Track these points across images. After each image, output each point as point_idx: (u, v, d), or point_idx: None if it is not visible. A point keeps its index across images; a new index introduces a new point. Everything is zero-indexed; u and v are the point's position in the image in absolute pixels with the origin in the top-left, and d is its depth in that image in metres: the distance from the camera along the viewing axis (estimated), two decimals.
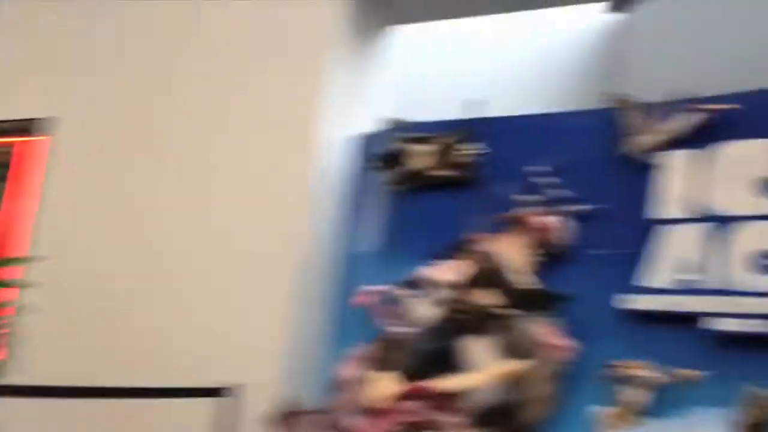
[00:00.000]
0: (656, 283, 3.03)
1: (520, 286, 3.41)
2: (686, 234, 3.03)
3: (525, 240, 3.49)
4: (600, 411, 2.98)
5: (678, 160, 3.14)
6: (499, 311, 3.35)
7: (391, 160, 3.95)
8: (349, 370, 3.54)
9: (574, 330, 3.16)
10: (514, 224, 3.53)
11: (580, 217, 3.35)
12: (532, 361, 3.18)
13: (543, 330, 3.19)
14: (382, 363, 3.49)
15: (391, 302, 3.63)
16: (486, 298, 3.51)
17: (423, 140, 3.89)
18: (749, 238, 2.90)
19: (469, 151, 3.73)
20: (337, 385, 3.54)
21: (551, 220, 3.40)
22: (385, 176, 3.94)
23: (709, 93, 3.14)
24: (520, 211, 3.50)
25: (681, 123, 3.18)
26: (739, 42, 3.74)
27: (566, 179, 3.43)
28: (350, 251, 3.99)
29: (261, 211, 4.05)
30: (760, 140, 2.99)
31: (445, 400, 3.22)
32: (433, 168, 3.83)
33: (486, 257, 3.54)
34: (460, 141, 3.77)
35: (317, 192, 4.03)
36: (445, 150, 3.82)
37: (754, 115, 3.04)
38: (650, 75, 3.50)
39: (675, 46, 3.94)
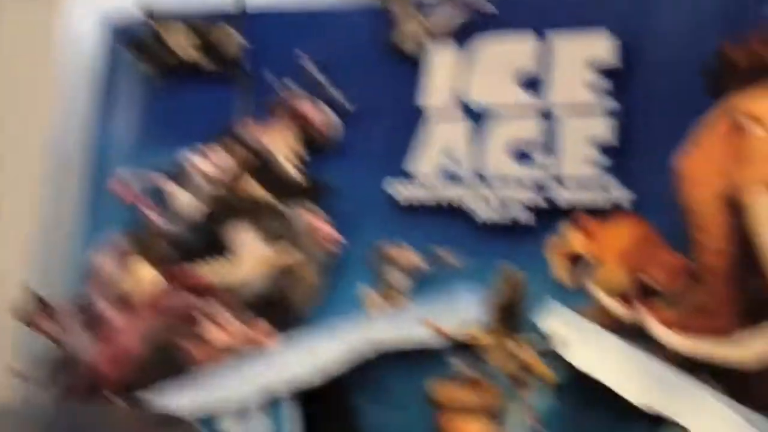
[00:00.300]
0: (423, 173, 3.14)
1: (288, 176, 3.41)
2: (451, 125, 3.14)
3: (292, 130, 3.48)
4: (366, 292, 3.09)
5: (443, 53, 3.23)
6: (266, 201, 3.34)
7: (147, 46, 3.75)
8: (106, 262, 3.40)
9: (344, 219, 3.23)
10: (281, 114, 3.50)
11: (348, 108, 3.38)
12: (300, 250, 3.22)
13: (311, 220, 3.22)
14: (142, 253, 3.38)
15: (151, 191, 3.51)
16: (253, 188, 3.48)
17: (182, 27, 3.72)
18: (508, 129, 3.06)
19: (231, 40, 3.62)
20: (94, 278, 3.40)
21: (319, 110, 3.41)
22: (141, 63, 3.75)
23: None
24: (288, 101, 3.48)
25: (446, 17, 3.26)
26: None
27: (334, 70, 3.43)
28: (105, 140, 3.79)
29: (5, 100, 3.78)
30: (521, 34, 3.11)
31: (212, 291, 3.18)
32: (192, 57, 3.69)
33: (252, 146, 3.50)
34: (222, 30, 3.65)
35: (65, 79, 3.78)
36: (206, 39, 3.68)
37: (513, 9, 3.18)
38: None
39: None
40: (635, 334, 2.57)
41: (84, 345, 3.29)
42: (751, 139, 2.45)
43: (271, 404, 2.97)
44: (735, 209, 2.40)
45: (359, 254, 3.14)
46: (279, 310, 3.29)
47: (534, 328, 2.74)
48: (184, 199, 3.46)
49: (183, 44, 3.68)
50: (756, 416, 2.34)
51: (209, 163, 3.47)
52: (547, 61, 3.05)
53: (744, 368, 2.31)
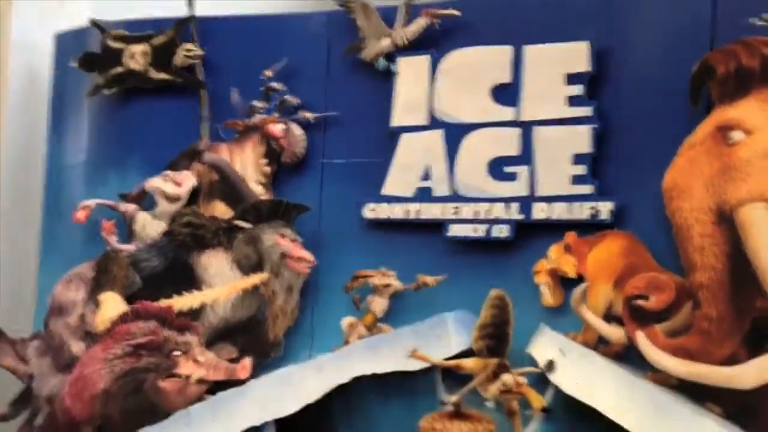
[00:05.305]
0: (396, 192, 3.04)
1: (256, 197, 3.29)
2: (423, 141, 3.04)
3: (258, 149, 3.35)
4: (345, 319, 2.98)
5: (411, 66, 3.11)
6: (234, 224, 3.21)
7: (100, 60, 3.59)
8: (68, 292, 3.23)
9: (317, 241, 3.12)
10: (246, 132, 3.38)
11: (315, 124, 3.26)
12: (271, 274, 3.09)
13: (282, 242, 3.10)
14: (106, 283, 3.21)
15: (113, 217, 3.37)
16: (219, 211, 3.35)
17: (135, 39, 3.57)
18: (482, 145, 2.96)
19: (188, 52, 3.47)
20: (56, 308, 3.23)
21: (285, 128, 3.29)
22: (94, 78, 3.58)
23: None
24: (252, 119, 3.35)
25: (411, 28, 3.14)
26: None
27: (299, 85, 3.31)
28: (60, 162, 3.64)
29: None
30: (490, 47, 3.00)
31: (179, 319, 3.03)
32: (148, 69, 3.53)
33: (217, 167, 3.36)
34: (178, 41, 3.50)
35: (17, 98, 3.61)
36: (161, 50, 3.53)
37: (481, 22, 3.06)
38: None
39: None
40: (629, 357, 2.51)
41: (49, 380, 3.15)
42: (739, 150, 2.36)
43: None
44: (728, 225, 2.33)
45: (336, 278, 3.03)
46: (252, 335, 3.18)
47: (522, 353, 2.67)
48: (149, 225, 3.32)
49: (138, 58, 3.53)
50: None
51: (173, 185, 3.33)
52: (523, 72, 2.95)
53: (747, 392, 2.24)
